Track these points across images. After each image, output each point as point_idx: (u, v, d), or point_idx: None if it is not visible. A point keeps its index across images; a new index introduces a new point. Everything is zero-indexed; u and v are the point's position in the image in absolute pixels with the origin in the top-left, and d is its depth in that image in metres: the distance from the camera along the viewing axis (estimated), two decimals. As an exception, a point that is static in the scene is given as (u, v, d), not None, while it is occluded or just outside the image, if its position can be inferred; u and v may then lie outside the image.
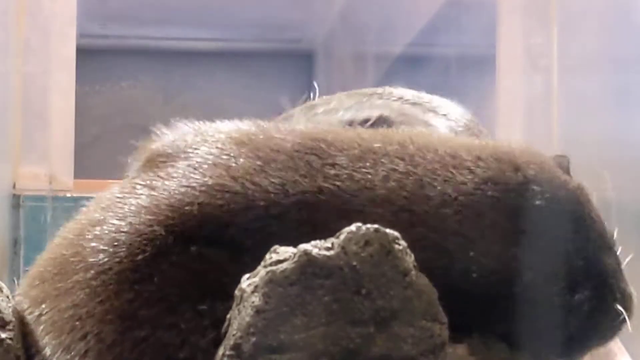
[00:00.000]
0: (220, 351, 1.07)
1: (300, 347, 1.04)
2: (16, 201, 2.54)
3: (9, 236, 2.50)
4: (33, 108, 2.62)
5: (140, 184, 1.22)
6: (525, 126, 2.74)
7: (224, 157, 1.21)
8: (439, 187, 1.19)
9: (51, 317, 1.14)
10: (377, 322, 1.05)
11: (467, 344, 1.11)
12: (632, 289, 1.23)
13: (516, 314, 1.15)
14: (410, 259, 1.08)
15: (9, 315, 1.15)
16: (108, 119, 4.81)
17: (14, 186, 2.57)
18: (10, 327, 1.14)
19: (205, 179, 1.18)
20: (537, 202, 1.19)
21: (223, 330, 1.08)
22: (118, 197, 1.21)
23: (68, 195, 2.57)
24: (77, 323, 1.11)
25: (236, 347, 1.05)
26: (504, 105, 2.79)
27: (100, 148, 4.63)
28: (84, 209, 1.28)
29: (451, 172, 1.20)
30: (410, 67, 3.62)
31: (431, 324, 1.07)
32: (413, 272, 1.07)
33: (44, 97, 2.63)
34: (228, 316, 1.08)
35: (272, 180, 1.18)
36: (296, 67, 4.98)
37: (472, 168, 1.21)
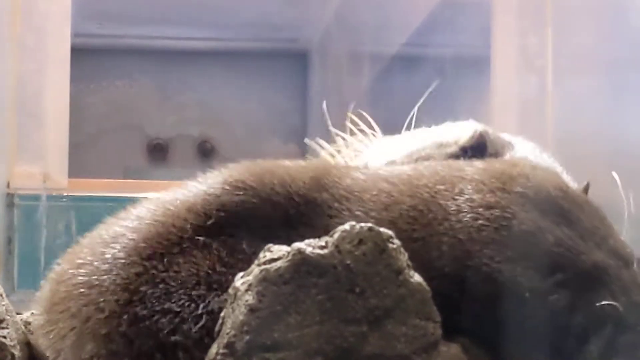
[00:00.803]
0: (214, 349, 1.07)
1: (294, 345, 1.04)
2: (10, 200, 2.54)
3: (3, 235, 2.50)
4: (28, 107, 2.62)
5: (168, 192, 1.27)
6: (519, 126, 2.74)
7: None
8: (442, 172, 1.23)
9: (65, 290, 1.16)
10: (370, 321, 1.05)
11: (460, 343, 1.11)
12: None
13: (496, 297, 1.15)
14: (404, 257, 1.08)
15: (2, 313, 1.15)
16: (103, 118, 4.81)
17: (8, 185, 2.56)
18: (4, 325, 1.14)
19: (226, 177, 1.24)
20: (520, 190, 1.20)
21: (217, 328, 1.08)
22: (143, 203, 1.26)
23: (62, 194, 2.57)
24: (84, 291, 1.13)
25: (230, 345, 1.05)
26: (498, 105, 2.80)
27: (94, 147, 4.64)
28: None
29: (460, 170, 1.24)
30: (406, 67, 3.62)
31: (424, 322, 1.07)
32: (407, 271, 1.07)
33: (38, 96, 2.63)
34: (222, 314, 1.08)
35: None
36: (291, 66, 4.99)
37: (477, 164, 1.25)
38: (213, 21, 4.63)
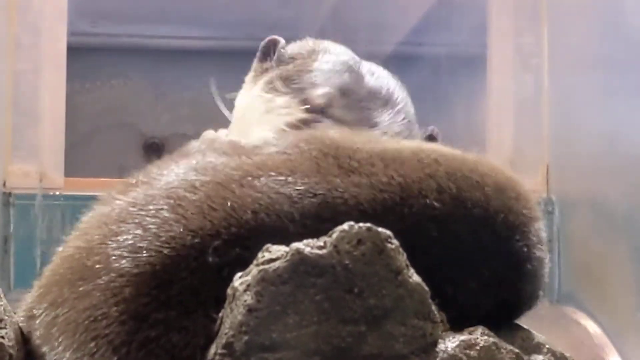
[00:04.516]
0: (212, 350, 1.07)
1: (292, 345, 1.04)
2: (6, 199, 2.53)
3: (0, 234, 2.50)
4: (23, 106, 2.62)
5: (161, 196, 1.21)
6: (515, 125, 2.75)
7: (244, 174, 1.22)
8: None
9: (68, 317, 1.14)
10: (369, 321, 1.05)
11: (459, 342, 1.11)
12: None
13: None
14: (402, 257, 1.08)
15: (0, 313, 1.15)
16: (98, 116, 4.79)
17: (4, 184, 2.56)
18: (2, 325, 1.13)
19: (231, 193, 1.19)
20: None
21: (215, 329, 1.08)
22: (135, 209, 1.21)
23: (58, 193, 2.56)
24: (92, 324, 1.11)
25: (228, 345, 1.05)
26: (494, 104, 2.80)
27: (90, 146, 4.63)
28: (89, 220, 1.27)
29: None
30: (401, 66, 3.61)
31: (423, 322, 1.07)
32: (405, 271, 1.07)
33: (34, 95, 2.63)
34: (220, 315, 1.08)
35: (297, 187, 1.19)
36: (286, 65, 4.97)
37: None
38: (207, 20, 4.62)
